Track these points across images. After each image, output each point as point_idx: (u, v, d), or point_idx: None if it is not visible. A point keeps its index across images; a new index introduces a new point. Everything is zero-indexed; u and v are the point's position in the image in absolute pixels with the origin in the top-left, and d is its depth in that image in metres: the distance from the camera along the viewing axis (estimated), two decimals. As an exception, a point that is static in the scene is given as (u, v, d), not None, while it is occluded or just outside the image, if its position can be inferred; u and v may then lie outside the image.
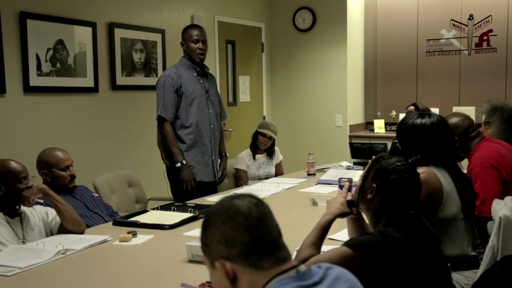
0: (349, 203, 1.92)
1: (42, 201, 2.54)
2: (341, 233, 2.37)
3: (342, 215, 1.93)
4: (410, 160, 1.87)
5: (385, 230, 1.70)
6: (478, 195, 2.56)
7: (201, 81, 3.71)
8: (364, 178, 1.85)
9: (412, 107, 4.57)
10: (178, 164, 3.54)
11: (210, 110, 3.73)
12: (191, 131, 3.62)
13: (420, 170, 2.16)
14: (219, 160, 3.91)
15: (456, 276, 2.09)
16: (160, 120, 3.58)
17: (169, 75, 3.60)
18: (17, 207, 2.49)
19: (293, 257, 1.52)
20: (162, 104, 3.55)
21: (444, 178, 2.19)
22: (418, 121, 2.27)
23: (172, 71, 3.64)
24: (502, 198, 2.62)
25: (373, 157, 1.88)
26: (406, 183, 1.78)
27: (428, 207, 2.11)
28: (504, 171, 2.73)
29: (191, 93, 3.61)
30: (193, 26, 3.78)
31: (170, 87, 3.56)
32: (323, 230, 1.88)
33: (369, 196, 1.80)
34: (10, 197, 2.44)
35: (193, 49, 3.62)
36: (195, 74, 3.68)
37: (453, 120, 2.83)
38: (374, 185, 1.79)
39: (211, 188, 3.75)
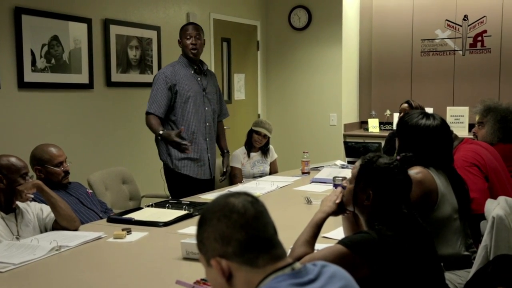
0: (341, 205, 1.92)
1: (32, 196, 2.53)
2: (335, 232, 2.38)
3: (335, 213, 1.93)
4: (398, 158, 1.86)
5: (380, 229, 1.71)
6: None
7: (199, 78, 3.71)
8: (356, 185, 1.82)
9: (405, 105, 4.58)
10: (160, 132, 3.47)
11: (207, 108, 3.73)
12: (187, 129, 3.61)
13: (416, 170, 2.17)
14: (221, 158, 3.92)
15: (449, 276, 2.10)
16: (147, 115, 3.58)
17: (164, 72, 3.63)
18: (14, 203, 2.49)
19: (288, 255, 1.53)
20: (152, 100, 3.57)
21: (439, 180, 2.20)
22: (423, 122, 2.25)
23: (168, 68, 3.67)
24: (488, 192, 2.65)
25: (357, 163, 1.86)
26: (398, 182, 1.78)
27: (422, 207, 2.12)
28: (484, 168, 2.78)
29: (187, 90, 3.62)
30: (188, 23, 3.81)
31: (163, 84, 3.57)
32: (317, 228, 1.88)
33: (366, 202, 1.79)
34: (10, 191, 2.44)
35: (186, 44, 3.65)
36: (192, 72, 3.69)
37: None
38: (370, 191, 1.78)
39: (207, 185, 3.75)
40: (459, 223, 2.21)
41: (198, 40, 3.67)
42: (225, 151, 3.93)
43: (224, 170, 3.89)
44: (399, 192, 1.79)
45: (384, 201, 1.77)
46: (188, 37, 3.64)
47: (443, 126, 2.28)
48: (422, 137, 2.24)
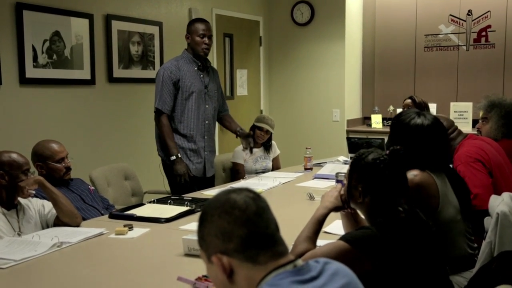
0: (342, 201, 1.91)
1: (34, 192, 2.52)
2: (337, 227, 2.37)
3: (336, 208, 1.93)
4: (387, 152, 1.84)
5: (381, 224, 1.70)
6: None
7: (201, 75, 3.70)
8: (349, 183, 1.83)
9: (409, 100, 4.56)
10: (173, 157, 3.56)
11: (207, 106, 3.72)
12: (185, 126, 3.63)
13: (414, 172, 2.13)
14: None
15: (456, 278, 2.08)
16: (157, 113, 3.60)
17: (169, 67, 3.61)
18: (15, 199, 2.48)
19: (289, 251, 1.51)
20: (159, 96, 3.58)
21: (440, 182, 2.15)
22: (414, 121, 2.19)
23: (172, 63, 3.65)
24: (492, 188, 2.63)
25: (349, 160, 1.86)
26: (385, 178, 1.76)
27: (425, 211, 2.06)
28: (488, 163, 2.75)
29: (189, 87, 3.62)
30: (200, 20, 3.75)
31: (168, 80, 3.57)
32: (318, 224, 1.88)
33: (359, 200, 1.80)
34: (12, 187, 2.44)
35: (199, 42, 3.62)
36: (196, 68, 3.68)
37: None
38: (360, 188, 1.78)
39: (202, 183, 3.73)
40: (463, 224, 2.18)
41: (210, 40, 3.67)
42: (238, 129, 3.92)
43: (251, 134, 4.01)
44: (389, 187, 1.76)
45: (376, 196, 1.76)
46: (201, 36, 3.62)
47: (436, 125, 2.21)
48: (413, 136, 2.18)
